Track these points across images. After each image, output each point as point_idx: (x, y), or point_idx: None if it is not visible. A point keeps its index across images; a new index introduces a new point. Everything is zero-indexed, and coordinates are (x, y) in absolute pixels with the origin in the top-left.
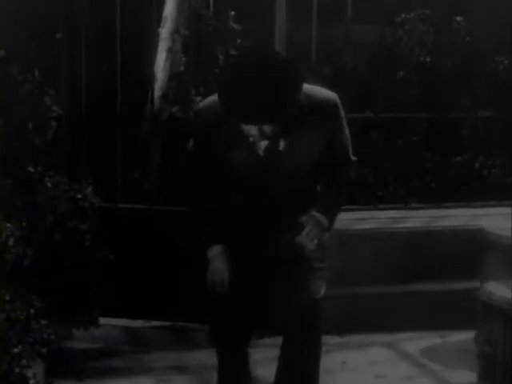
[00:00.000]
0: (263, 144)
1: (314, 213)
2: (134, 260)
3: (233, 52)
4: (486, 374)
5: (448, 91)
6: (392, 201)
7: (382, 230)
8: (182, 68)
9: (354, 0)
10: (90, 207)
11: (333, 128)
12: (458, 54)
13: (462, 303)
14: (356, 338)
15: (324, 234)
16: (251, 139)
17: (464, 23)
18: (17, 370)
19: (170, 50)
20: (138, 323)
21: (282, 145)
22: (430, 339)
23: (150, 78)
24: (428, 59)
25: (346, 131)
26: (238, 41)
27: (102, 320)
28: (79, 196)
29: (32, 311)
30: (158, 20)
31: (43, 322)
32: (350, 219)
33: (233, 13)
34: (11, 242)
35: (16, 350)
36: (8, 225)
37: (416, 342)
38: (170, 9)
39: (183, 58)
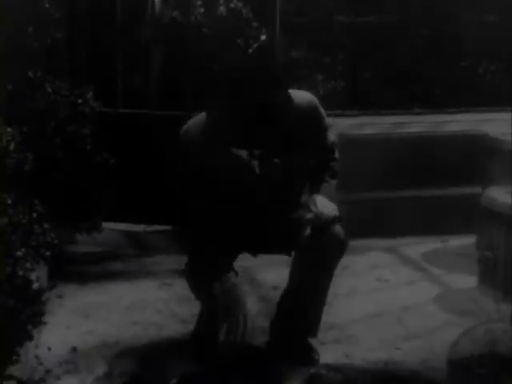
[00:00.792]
0: (256, 163)
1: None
2: (134, 165)
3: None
4: (486, 278)
5: None
6: (395, 106)
7: (385, 135)
8: None
9: None
10: (90, 112)
11: (319, 128)
12: None
13: (464, 208)
14: (357, 243)
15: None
16: (245, 160)
17: None
18: (20, 273)
19: None
20: (139, 228)
21: (276, 160)
22: (431, 244)
23: None
24: None
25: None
26: None
27: (105, 225)
28: (80, 101)
29: (34, 215)
30: None
31: (46, 226)
32: (352, 124)
33: None
34: (12, 146)
35: (19, 254)
36: (8, 129)
37: (417, 246)
38: None
39: None
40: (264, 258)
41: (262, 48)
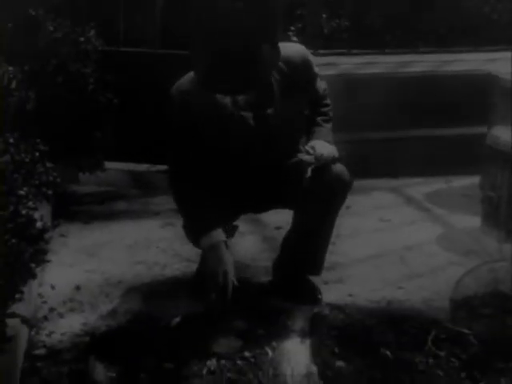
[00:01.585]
0: (249, 115)
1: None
2: (137, 104)
3: None
4: (489, 218)
5: None
6: (399, 45)
7: (389, 74)
8: None
9: None
10: (92, 50)
11: (310, 78)
12: None
13: (468, 148)
14: (361, 183)
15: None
16: (240, 113)
17: None
18: (23, 212)
19: None
20: (143, 167)
21: (270, 110)
22: (435, 184)
23: None
24: None
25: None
26: None
27: (108, 165)
28: (82, 39)
29: (37, 154)
30: None
31: (49, 165)
32: (356, 64)
33: None
34: (14, 85)
35: (22, 192)
36: (10, 68)
37: (421, 186)
38: None
39: None
40: None
41: None
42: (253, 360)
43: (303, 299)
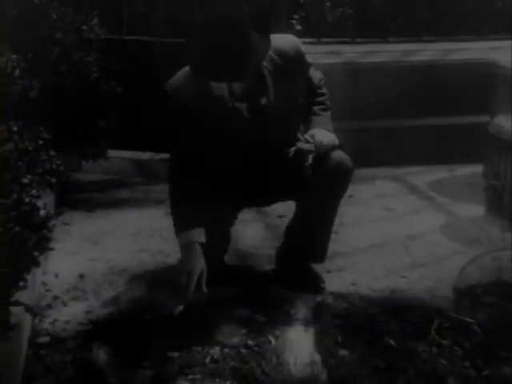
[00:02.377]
0: (244, 106)
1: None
2: (141, 93)
3: None
4: (493, 207)
5: None
6: (403, 34)
7: (393, 63)
8: None
9: None
10: (95, 39)
11: (304, 68)
12: None
13: (472, 137)
14: (364, 171)
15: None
16: (234, 104)
17: None
18: (26, 200)
19: None
20: (146, 156)
21: (263, 101)
22: (439, 173)
23: None
24: None
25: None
26: None
27: (111, 153)
28: (84, 27)
29: (40, 142)
30: None
31: (52, 153)
32: (360, 52)
33: None
34: (17, 72)
35: (25, 180)
36: (13, 56)
37: (424, 175)
38: None
39: None
40: None
41: None
42: (256, 348)
43: (306, 288)
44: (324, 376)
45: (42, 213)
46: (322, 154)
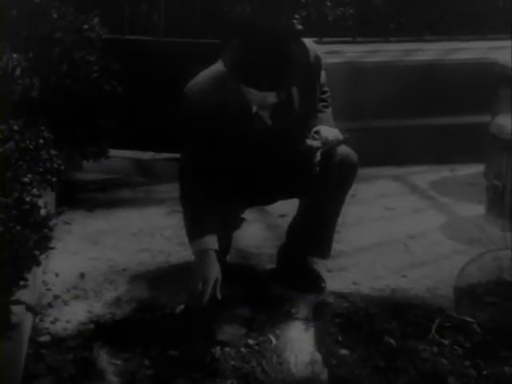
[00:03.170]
0: (267, 113)
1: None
2: (142, 92)
3: None
4: (493, 207)
5: None
6: (404, 33)
7: (394, 62)
8: None
9: None
10: (96, 38)
11: (321, 77)
12: None
13: (473, 137)
14: (366, 171)
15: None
16: (256, 110)
17: None
18: (27, 199)
19: None
20: (147, 155)
21: (287, 108)
22: (440, 173)
23: None
24: None
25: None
26: None
27: (113, 152)
28: (85, 27)
29: (41, 141)
30: None
31: (53, 152)
32: (361, 52)
33: None
34: (18, 72)
35: (26, 180)
36: (14, 55)
37: (425, 175)
38: None
39: None
40: None
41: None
42: (257, 348)
43: (307, 288)
44: (324, 375)
45: (43, 212)
46: (328, 149)
